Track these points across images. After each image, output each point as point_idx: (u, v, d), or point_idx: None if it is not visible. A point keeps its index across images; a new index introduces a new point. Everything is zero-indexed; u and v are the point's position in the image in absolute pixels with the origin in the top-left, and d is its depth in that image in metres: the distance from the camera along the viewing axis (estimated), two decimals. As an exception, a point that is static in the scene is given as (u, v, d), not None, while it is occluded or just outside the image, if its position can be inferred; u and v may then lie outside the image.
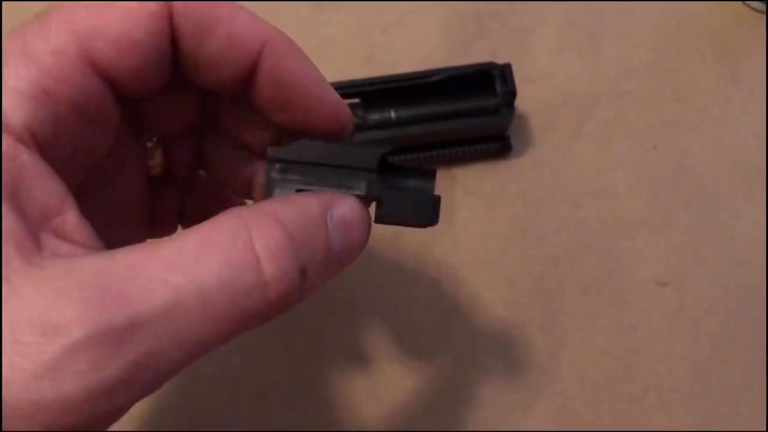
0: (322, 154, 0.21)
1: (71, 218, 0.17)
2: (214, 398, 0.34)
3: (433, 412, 0.34)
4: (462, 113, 0.35)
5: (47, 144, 0.17)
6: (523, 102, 0.37)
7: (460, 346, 0.34)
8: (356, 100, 0.35)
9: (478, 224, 0.36)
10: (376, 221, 0.22)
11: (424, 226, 0.22)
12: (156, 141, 0.24)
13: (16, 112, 0.16)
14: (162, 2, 0.18)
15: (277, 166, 0.21)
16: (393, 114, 0.35)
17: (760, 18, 0.39)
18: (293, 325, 0.35)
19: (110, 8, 0.18)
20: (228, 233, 0.17)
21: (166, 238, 0.17)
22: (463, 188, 0.37)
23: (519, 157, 0.37)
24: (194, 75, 0.20)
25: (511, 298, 0.35)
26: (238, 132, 0.24)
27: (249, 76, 0.20)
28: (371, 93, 0.35)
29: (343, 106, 0.22)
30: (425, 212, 0.22)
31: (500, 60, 0.36)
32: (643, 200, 0.36)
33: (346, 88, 0.35)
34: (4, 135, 0.16)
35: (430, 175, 0.23)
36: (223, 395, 0.34)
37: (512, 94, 0.34)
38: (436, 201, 0.22)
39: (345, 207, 0.20)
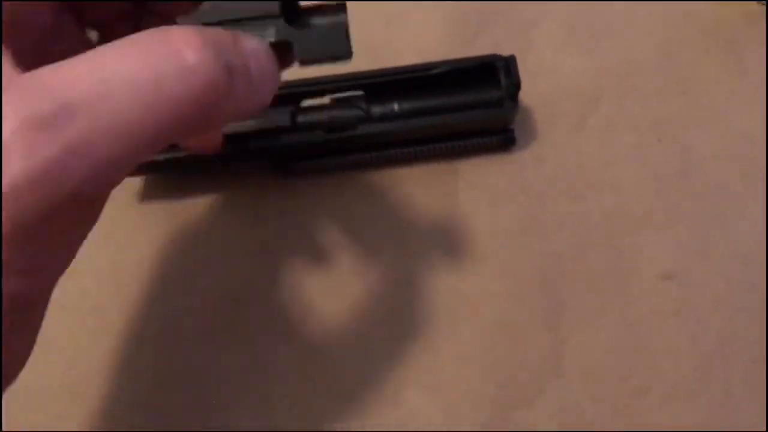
0: (228, 13, 0.22)
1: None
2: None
3: (434, 409, 0.33)
4: (465, 106, 0.35)
5: None
6: (526, 96, 0.36)
7: (462, 341, 0.34)
8: (359, 93, 0.35)
9: (481, 218, 0.36)
10: (300, 65, 0.23)
11: (340, 59, 0.23)
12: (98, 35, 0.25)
13: None
14: None
15: None
16: (396, 106, 0.35)
17: (765, 12, 0.39)
18: (292, 317, 0.34)
19: None
20: (147, 35, 0.18)
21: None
22: (465, 182, 0.36)
23: (522, 151, 0.37)
24: None
25: (514, 292, 0.35)
26: (167, 11, 0.25)
27: None
28: (374, 86, 0.35)
29: None
30: (338, 45, 0.23)
31: (503, 53, 0.35)
32: (647, 195, 0.36)
33: (348, 81, 0.35)
34: None
35: (340, 9, 0.23)
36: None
37: (517, 86, 0.34)
38: (346, 32, 0.23)
39: (251, 40, 0.21)
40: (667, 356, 0.34)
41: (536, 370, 0.34)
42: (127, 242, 0.36)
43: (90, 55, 0.17)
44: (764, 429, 0.33)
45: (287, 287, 0.35)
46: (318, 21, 0.23)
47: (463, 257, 0.35)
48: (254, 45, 0.21)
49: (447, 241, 0.35)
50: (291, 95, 0.34)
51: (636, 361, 0.34)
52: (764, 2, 0.39)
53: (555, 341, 0.34)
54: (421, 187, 0.36)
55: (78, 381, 0.33)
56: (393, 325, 0.34)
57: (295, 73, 0.35)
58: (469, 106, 0.35)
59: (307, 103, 0.35)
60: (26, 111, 0.16)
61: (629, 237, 0.35)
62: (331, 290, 0.35)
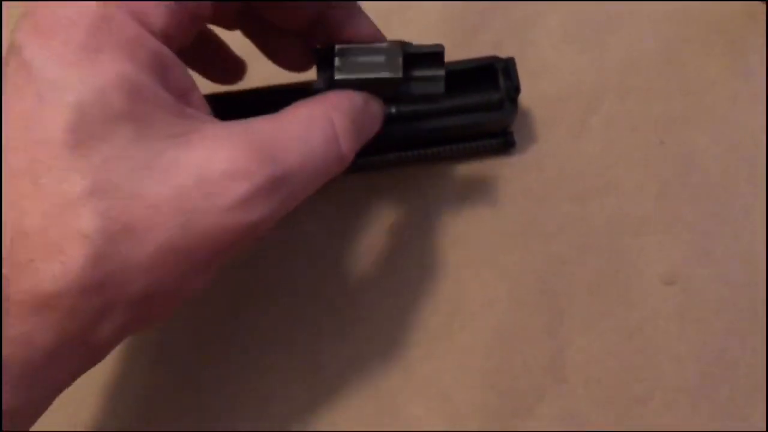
0: (361, 70, 0.26)
1: (197, 95, 0.23)
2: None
3: (434, 416, 0.33)
4: (464, 109, 0.34)
5: (176, 44, 0.22)
6: (526, 96, 0.36)
7: (462, 348, 0.34)
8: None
9: (481, 222, 0.35)
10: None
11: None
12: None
13: (159, 19, 0.21)
14: None
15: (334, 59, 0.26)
16: (394, 109, 0.34)
17: (769, 9, 0.38)
18: (289, 321, 0.34)
19: None
20: (321, 119, 0.24)
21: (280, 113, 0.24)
22: (465, 185, 0.36)
23: (522, 154, 0.36)
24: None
25: (514, 297, 0.34)
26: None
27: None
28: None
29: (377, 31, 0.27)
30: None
31: (503, 53, 0.35)
32: (649, 197, 0.35)
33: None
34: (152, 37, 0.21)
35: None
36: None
37: (516, 89, 0.33)
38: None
39: (377, 105, 0.27)
40: (670, 361, 0.33)
41: (537, 377, 0.33)
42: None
43: (288, 125, 0.23)
44: (764, 430, 0.32)
45: (284, 290, 0.35)
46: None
47: (463, 261, 0.35)
48: (378, 110, 0.27)
49: (445, 245, 0.35)
50: (285, 98, 0.34)
51: (638, 366, 0.33)
52: (765, 1, 0.38)
53: (556, 346, 0.34)
54: (419, 191, 0.36)
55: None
56: (391, 332, 0.34)
57: (288, 75, 0.34)
58: (468, 108, 0.34)
59: None
60: (268, 172, 0.21)
61: (631, 240, 0.35)
62: (327, 295, 0.34)
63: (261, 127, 0.22)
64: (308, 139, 0.23)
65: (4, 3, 0.38)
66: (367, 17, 0.27)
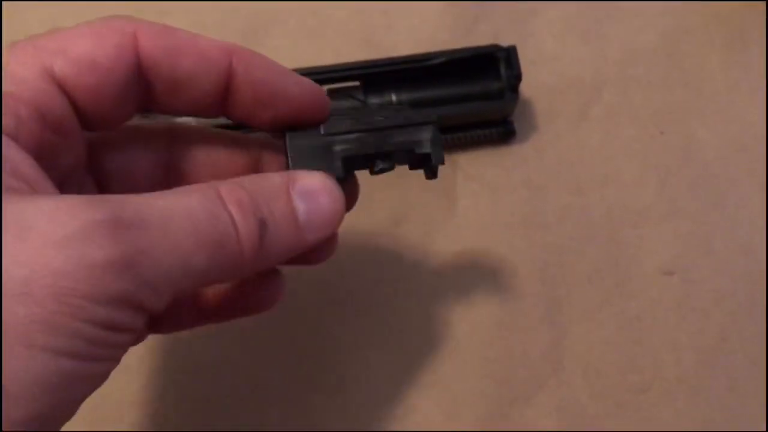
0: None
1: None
2: (212, 391, 0.33)
3: (432, 406, 0.33)
4: (464, 97, 0.34)
5: (12, 136, 0.19)
6: (526, 86, 0.36)
7: (462, 336, 0.34)
8: (356, 83, 0.34)
9: (481, 211, 0.35)
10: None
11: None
12: None
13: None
14: (125, 30, 0.21)
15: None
16: (394, 97, 0.34)
17: (769, 1, 0.38)
18: (292, 316, 0.34)
19: (76, 33, 0.20)
20: (199, 186, 0.20)
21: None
22: (465, 174, 0.36)
23: (522, 143, 0.36)
24: (173, 99, 0.22)
25: (514, 286, 0.34)
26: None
27: (225, 85, 0.22)
28: (371, 76, 0.34)
29: (319, 88, 0.24)
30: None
31: (503, 42, 0.34)
32: (649, 187, 0.35)
33: (345, 71, 0.34)
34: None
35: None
36: (220, 388, 0.33)
37: (517, 77, 0.33)
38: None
39: (309, 178, 0.22)
40: (668, 352, 0.33)
41: (536, 366, 0.33)
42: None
43: (156, 194, 0.20)
44: (764, 429, 0.32)
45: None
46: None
47: (462, 251, 0.35)
48: (311, 183, 0.22)
49: (445, 235, 0.35)
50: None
51: (636, 356, 0.33)
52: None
53: (555, 336, 0.34)
54: (418, 180, 0.36)
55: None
56: (389, 323, 0.34)
57: (290, 61, 0.34)
58: (469, 97, 0.34)
59: None
60: (107, 214, 0.18)
61: (630, 230, 0.35)
62: (325, 284, 0.34)
63: (109, 197, 0.19)
64: (178, 197, 0.20)
65: (4, 3, 0.38)
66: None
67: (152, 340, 0.32)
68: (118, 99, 0.21)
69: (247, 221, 0.20)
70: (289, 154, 0.23)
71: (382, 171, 0.25)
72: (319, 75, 0.33)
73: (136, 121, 0.24)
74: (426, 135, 0.24)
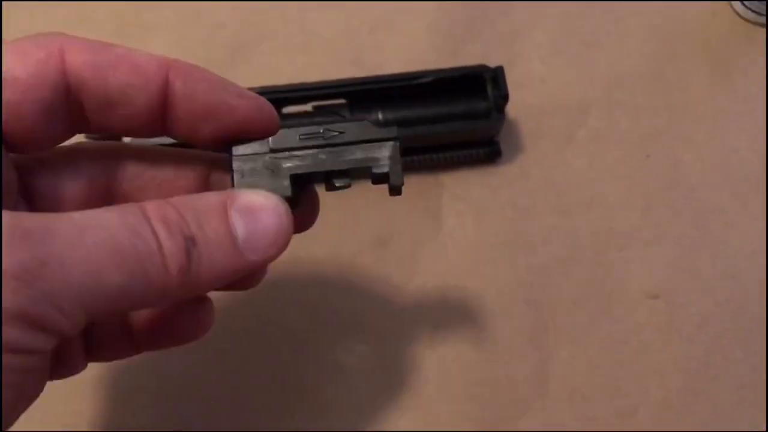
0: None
1: None
2: (191, 413, 0.32)
3: (416, 429, 0.32)
4: (451, 117, 0.34)
5: None
6: (513, 107, 0.36)
7: (446, 359, 0.33)
8: (342, 101, 0.34)
9: (466, 232, 0.35)
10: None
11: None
12: None
13: None
14: (51, 47, 0.20)
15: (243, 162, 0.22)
16: (380, 116, 0.34)
17: (753, 29, 0.39)
18: (277, 334, 0.33)
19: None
20: (124, 204, 0.19)
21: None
22: (450, 194, 0.36)
23: (508, 164, 0.36)
24: (107, 117, 0.21)
25: (499, 308, 0.34)
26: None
27: (162, 100, 0.21)
28: (358, 93, 0.34)
29: (265, 100, 0.22)
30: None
31: (490, 63, 0.35)
32: (635, 211, 0.35)
33: (332, 88, 0.34)
34: None
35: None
36: (200, 411, 0.32)
37: (504, 98, 0.33)
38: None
39: (250, 195, 0.21)
40: (654, 376, 0.33)
41: (520, 389, 0.33)
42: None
43: (73, 214, 0.18)
44: (764, 430, 0.32)
45: (261, 299, 0.34)
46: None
47: (447, 271, 0.34)
48: (252, 201, 0.21)
49: (430, 255, 0.35)
50: (271, 101, 0.33)
51: (622, 380, 0.33)
52: (764, 15, 0.38)
53: (540, 359, 0.33)
54: (405, 200, 0.35)
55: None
56: (372, 344, 0.33)
57: (277, 77, 0.34)
58: (455, 116, 0.34)
59: (287, 109, 0.34)
60: (9, 219, 0.17)
61: (616, 253, 0.35)
62: (308, 302, 0.34)
63: (27, 214, 0.18)
64: (95, 217, 0.18)
65: (4, 3, 0.37)
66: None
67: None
68: (43, 118, 0.20)
69: (174, 239, 0.19)
70: (233, 171, 0.22)
71: (339, 189, 0.23)
72: (306, 92, 0.33)
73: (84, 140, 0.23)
74: (385, 152, 0.22)
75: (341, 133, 0.22)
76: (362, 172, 0.23)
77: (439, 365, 0.33)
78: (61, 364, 0.23)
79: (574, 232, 0.35)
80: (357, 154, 0.22)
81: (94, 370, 0.32)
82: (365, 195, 0.35)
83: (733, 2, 0.39)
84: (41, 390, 0.20)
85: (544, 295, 0.34)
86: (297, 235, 0.34)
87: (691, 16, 0.39)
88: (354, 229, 0.35)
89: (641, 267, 0.35)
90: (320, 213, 0.35)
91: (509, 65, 0.35)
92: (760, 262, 0.34)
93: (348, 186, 0.23)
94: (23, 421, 0.19)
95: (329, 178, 0.23)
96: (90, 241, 0.18)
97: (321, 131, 0.22)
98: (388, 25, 0.38)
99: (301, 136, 0.22)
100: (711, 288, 0.34)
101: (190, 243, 0.19)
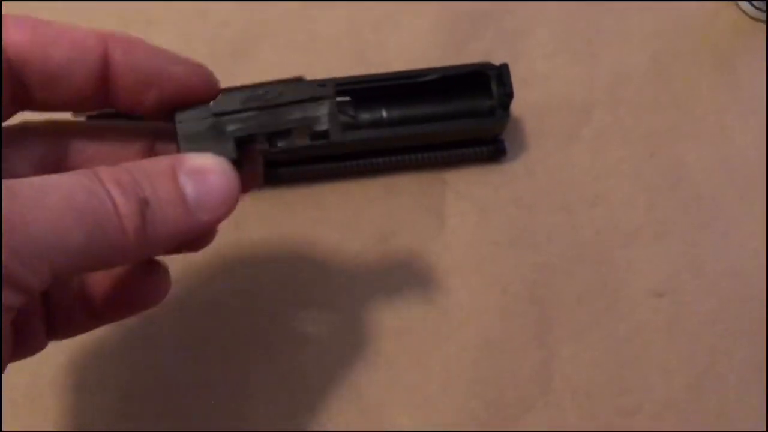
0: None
1: None
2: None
3: (419, 426, 0.32)
4: (455, 114, 0.34)
5: None
6: (517, 105, 0.36)
7: (449, 357, 0.33)
8: (346, 99, 0.34)
9: (470, 230, 0.35)
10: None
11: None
12: None
13: None
14: None
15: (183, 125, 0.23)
16: (384, 113, 0.34)
17: (757, 26, 0.39)
18: (274, 329, 0.33)
19: None
20: (78, 170, 0.20)
21: None
22: (454, 192, 0.36)
23: (512, 162, 0.36)
24: (50, 93, 0.21)
25: (502, 306, 0.34)
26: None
27: (103, 72, 0.21)
28: (362, 91, 0.34)
29: (205, 66, 0.23)
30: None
31: (494, 61, 0.34)
32: (639, 209, 0.35)
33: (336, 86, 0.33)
34: None
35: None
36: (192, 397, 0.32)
37: (509, 95, 0.33)
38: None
39: (197, 158, 0.22)
40: (658, 374, 0.33)
41: (524, 387, 0.33)
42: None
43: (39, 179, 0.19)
44: (764, 430, 0.32)
45: (266, 297, 0.34)
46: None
47: (450, 269, 0.34)
48: (199, 163, 0.21)
49: (433, 253, 0.35)
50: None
51: (626, 378, 0.33)
52: (764, 12, 0.38)
53: (544, 357, 0.33)
54: (408, 198, 0.36)
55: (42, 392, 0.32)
56: (377, 341, 0.33)
57: (281, 75, 0.34)
58: (459, 114, 0.34)
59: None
60: None
61: (620, 251, 0.35)
62: (312, 302, 0.34)
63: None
64: (54, 178, 0.19)
65: (4, 3, 0.37)
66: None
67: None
68: None
69: (128, 199, 0.20)
70: (179, 137, 0.22)
71: (282, 150, 0.24)
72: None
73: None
74: (323, 110, 0.23)
75: (281, 94, 0.23)
76: (303, 132, 0.23)
77: (443, 363, 0.33)
78: (22, 344, 0.24)
79: (578, 231, 0.35)
80: (296, 113, 0.23)
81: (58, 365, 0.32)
82: (368, 192, 0.36)
83: (739, 1, 0.39)
84: (7, 360, 0.20)
85: (548, 293, 0.34)
86: (298, 234, 0.35)
87: (695, 15, 0.39)
88: (357, 226, 0.35)
89: (645, 265, 0.35)
90: (323, 210, 0.35)
91: (513, 63, 0.35)
92: (764, 260, 0.34)
93: (291, 146, 0.23)
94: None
95: (271, 139, 0.23)
96: (51, 201, 0.18)
97: (261, 93, 0.23)
98: (391, 23, 0.38)
99: (242, 100, 0.23)
100: (715, 286, 0.34)
101: (143, 204, 0.20)
